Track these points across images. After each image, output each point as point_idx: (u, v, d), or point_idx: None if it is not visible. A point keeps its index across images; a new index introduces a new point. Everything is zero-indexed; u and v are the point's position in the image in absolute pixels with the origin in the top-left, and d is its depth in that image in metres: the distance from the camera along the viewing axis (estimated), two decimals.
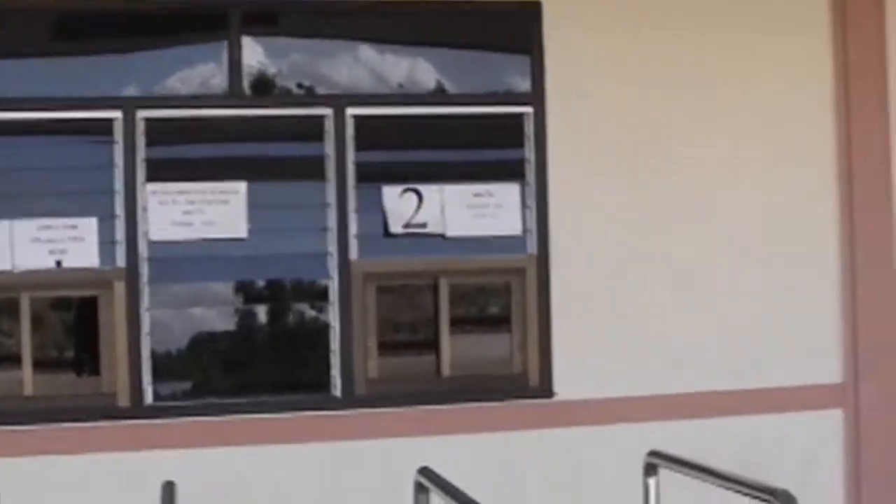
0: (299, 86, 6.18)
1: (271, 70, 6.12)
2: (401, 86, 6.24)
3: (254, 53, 6.06)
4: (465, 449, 5.98)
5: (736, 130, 6.48)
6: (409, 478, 4.24)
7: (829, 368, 6.54)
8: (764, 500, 3.91)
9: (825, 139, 6.58)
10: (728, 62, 6.47)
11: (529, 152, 6.25)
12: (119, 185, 5.83)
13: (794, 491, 3.79)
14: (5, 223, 5.70)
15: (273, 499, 5.87)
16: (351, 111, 6.07)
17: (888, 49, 6.63)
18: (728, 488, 4.21)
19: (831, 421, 6.54)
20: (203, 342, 6.15)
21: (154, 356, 5.87)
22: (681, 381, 6.30)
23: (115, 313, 5.79)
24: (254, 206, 5.94)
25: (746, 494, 4.03)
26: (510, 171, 6.27)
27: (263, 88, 6.11)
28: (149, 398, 5.85)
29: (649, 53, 6.37)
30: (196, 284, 6.10)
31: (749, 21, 6.50)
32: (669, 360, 6.29)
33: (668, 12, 6.41)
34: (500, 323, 6.34)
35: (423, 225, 6.13)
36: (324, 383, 6.05)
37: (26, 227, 5.72)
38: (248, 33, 6.03)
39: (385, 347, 6.14)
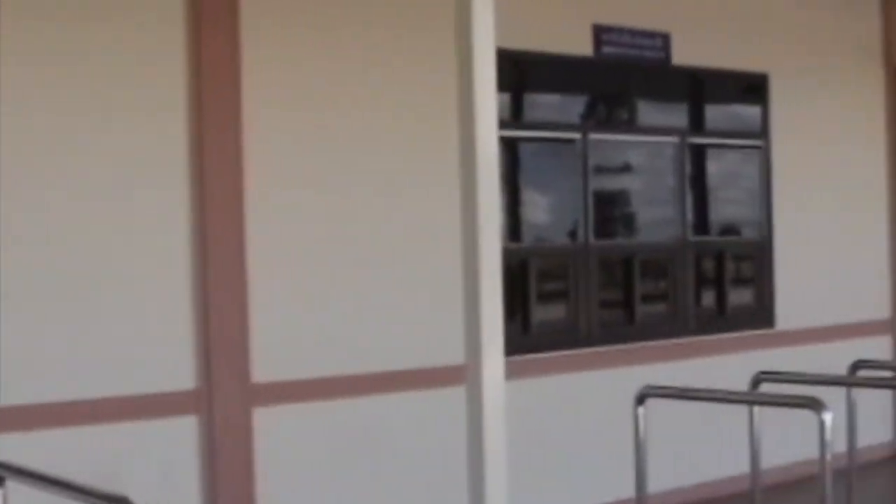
0: None
1: None
2: None
3: None
4: None
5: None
6: None
7: (182, 375, 6.65)
8: None
9: (176, 145, 6.74)
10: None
11: None
12: None
13: (151, 500, 3.81)
14: None
15: None
16: None
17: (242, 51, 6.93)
18: (78, 500, 4.14)
19: (186, 427, 6.67)
20: None
21: None
22: (30, 390, 6.15)
23: None
24: None
25: None
26: None
27: None
28: None
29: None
30: None
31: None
32: (24, 369, 6.17)
33: None
34: None
35: None
36: None
37: None
38: None
39: None
